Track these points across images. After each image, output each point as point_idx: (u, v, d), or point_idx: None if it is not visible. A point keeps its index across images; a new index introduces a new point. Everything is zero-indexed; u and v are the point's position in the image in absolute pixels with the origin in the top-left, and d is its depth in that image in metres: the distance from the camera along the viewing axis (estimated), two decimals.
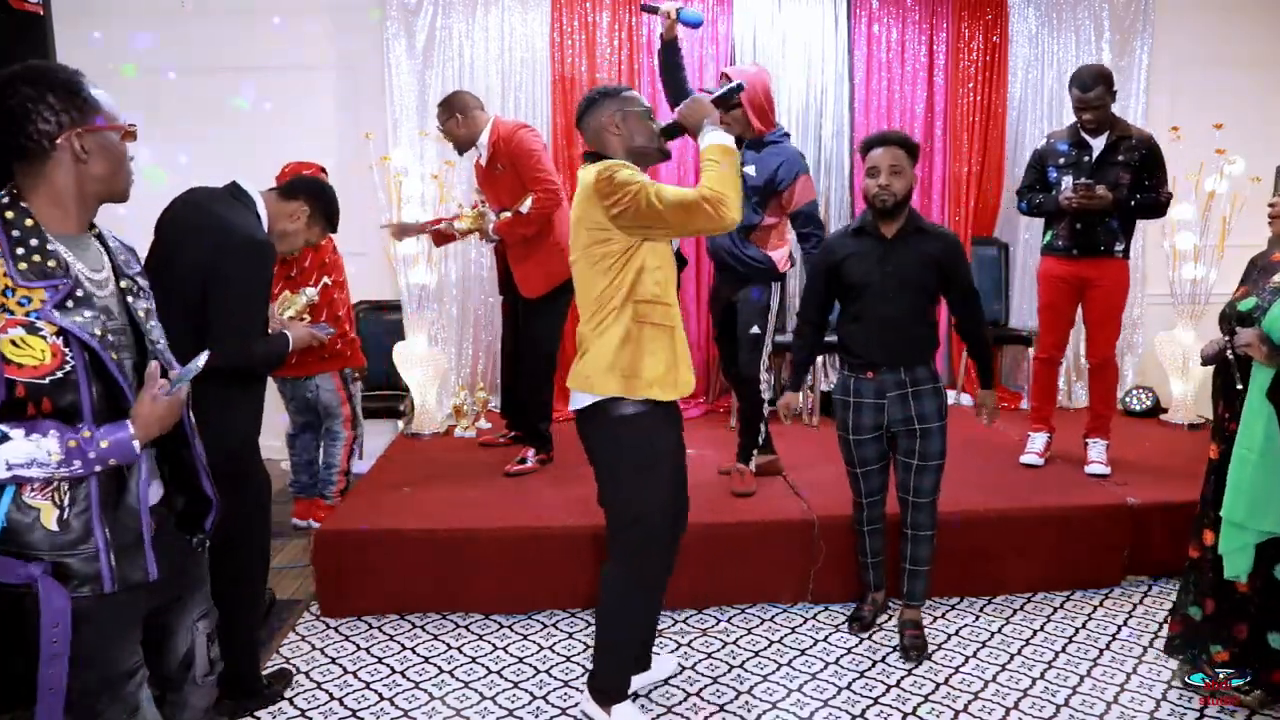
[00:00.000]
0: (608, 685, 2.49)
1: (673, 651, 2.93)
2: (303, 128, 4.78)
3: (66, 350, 1.44)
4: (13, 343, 1.39)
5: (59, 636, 1.46)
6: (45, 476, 1.42)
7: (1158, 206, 3.63)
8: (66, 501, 1.47)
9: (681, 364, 2.37)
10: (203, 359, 1.57)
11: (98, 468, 1.45)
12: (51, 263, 1.46)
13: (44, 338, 1.42)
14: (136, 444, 1.48)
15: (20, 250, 1.43)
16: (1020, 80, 5.02)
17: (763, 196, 3.32)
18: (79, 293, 1.48)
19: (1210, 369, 2.58)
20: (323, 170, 3.80)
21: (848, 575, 3.18)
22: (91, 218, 1.57)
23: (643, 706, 2.62)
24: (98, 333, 1.47)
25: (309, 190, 2.58)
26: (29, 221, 1.46)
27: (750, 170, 3.28)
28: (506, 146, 3.63)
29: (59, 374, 1.43)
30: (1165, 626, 2.88)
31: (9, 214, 1.45)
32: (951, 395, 5.04)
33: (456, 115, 3.68)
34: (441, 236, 4.02)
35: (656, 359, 2.30)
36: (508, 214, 3.69)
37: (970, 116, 5.00)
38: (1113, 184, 3.53)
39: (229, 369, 2.23)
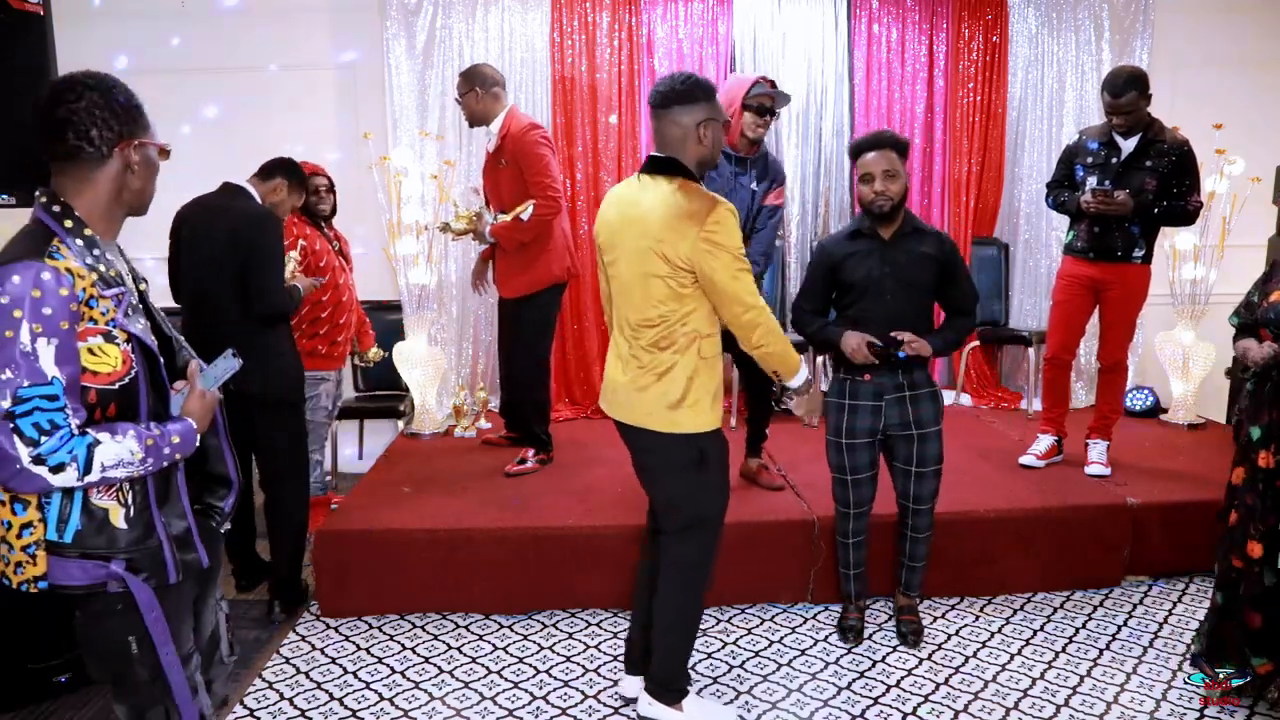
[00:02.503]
0: (682, 681, 2.51)
1: None
2: (303, 128, 4.78)
3: (133, 356, 1.50)
4: (90, 351, 1.45)
5: (160, 622, 1.55)
6: (129, 475, 1.48)
7: (1184, 215, 3.53)
8: (130, 500, 1.53)
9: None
10: (237, 361, 1.65)
11: (165, 462, 1.53)
12: (112, 271, 1.52)
13: (118, 345, 1.48)
14: (197, 437, 1.58)
15: (90, 260, 1.48)
16: (1020, 80, 5.02)
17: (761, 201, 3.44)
18: (133, 300, 1.54)
19: (1216, 370, 2.56)
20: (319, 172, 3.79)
21: None
22: (120, 227, 1.62)
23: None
24: (154, 338, 1.56)
25: (280, 166, 3.24)
26: (88, 231, 1.51)
27: (754, 185, 3.38)
28: (515, 144, 3.59)
29: (126, 379, 1.49)
30: (1172, 629, 2.89)
31: (68, 222, 1.49)
32: (950, 395, 5.04)
33: (476, 89, 3.66)
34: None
35: (716, 385, 2.34)
36: (505, 217, 3.67)
37: (970, 116, 5.00)
38: (1138, 188, 3.45)
39: (278, 315, 3.05)
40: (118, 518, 1.52)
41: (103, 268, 1.49)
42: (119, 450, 1.45)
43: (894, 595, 3.09)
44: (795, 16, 4.89)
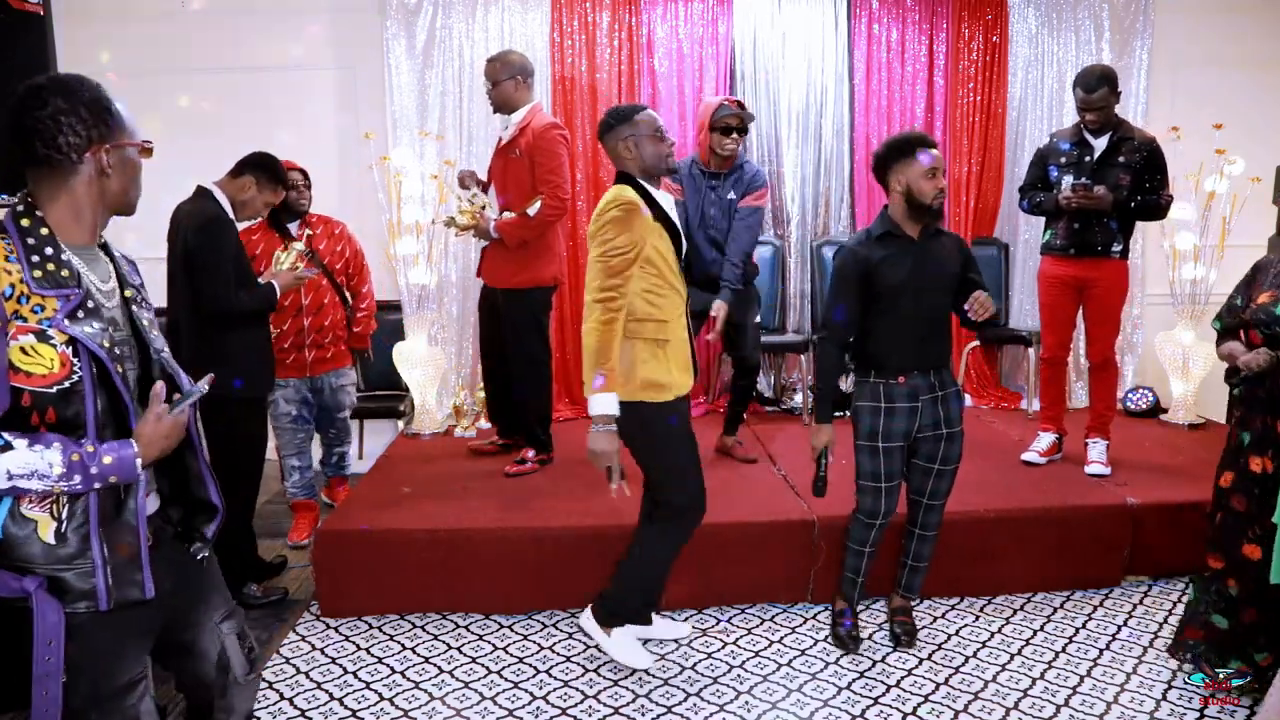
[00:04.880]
0: (622, 610, 2.76)
1: (672, 652, 2.94)
2: (303, 128, 4.79)
3: (75, 360, 1.43)
4: (22, 350, 1.39)
5: (52, 654, 1.44)
6: (45, 489, 1.39)
7: (1157, 209, 3.63)
8: (65, 515, 1.45)
9: (675, 369, 2.60)
10: (206, 382, 1.57)
11: (98, 485, 1.43)
12: (65, 272, 1.46)
13: (54, 346, 1.41)
14: (139, 463, 1.46)
15: (35, 258, 1.43)
16: (1020, 80, 5.01)
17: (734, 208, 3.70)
18: (89, 303, 1.48)
19: (1216, 370, 2.58)
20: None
21: None
22: (103, 230, 1.58)
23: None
24: (106, 344, 1.46)
25: (250, 164, 3.19)
26: (44, 230, 1.47)
27: (730, 194, 3.64)
28: (535, 138, 3.59)
29: (66, 384, 1.42)
30: (1173, 629, 2.88)
31: (24, 221, 1.46)
32: None
33: (515, 77, 3.65)
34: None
35: (649, 366, 2.56)
36: (510, 215, 3.67)
37: (970, 116, 5.00)
38: (1113, 185, 3.54)
39: (228, 316, 3.04)
40: (46, 532, 1.43)
41: (51, 267, 1.44)
42: (32, 460, 1.36)
43: (890, 597, 3.09)
44: (795, 16, 4.89)
